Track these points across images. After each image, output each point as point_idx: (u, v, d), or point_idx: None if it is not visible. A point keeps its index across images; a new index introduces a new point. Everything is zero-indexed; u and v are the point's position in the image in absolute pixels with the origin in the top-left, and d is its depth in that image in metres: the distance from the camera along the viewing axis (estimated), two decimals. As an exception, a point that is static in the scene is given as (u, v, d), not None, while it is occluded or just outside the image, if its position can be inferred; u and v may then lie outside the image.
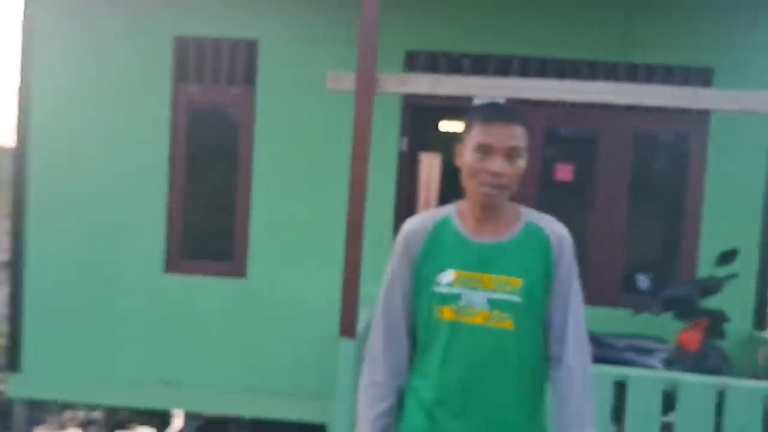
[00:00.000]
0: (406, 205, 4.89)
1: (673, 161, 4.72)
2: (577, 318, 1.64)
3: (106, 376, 4.85)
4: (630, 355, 3.93)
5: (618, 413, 3.31)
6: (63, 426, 6.50)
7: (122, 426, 6.56)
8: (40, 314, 4.85)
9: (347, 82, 3.13)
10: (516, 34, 4.52)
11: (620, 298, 4.57)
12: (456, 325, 1.62)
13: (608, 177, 4.61)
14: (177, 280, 4.80)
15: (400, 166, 4.64)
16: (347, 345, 3.22)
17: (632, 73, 4.51)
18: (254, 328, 4.72)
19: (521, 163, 1.59)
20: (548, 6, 4.47)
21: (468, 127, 1.62)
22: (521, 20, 4.50)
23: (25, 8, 4.74)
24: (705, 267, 4.35)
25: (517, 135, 1.57)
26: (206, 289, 4.77)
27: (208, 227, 4.94)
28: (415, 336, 1.72)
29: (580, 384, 1.63)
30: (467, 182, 1.62)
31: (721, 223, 4.45)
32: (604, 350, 3.95)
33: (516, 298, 1.58)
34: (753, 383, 3.12)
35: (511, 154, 1.57)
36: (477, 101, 1.79)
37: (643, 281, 4.01)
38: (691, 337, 3.89)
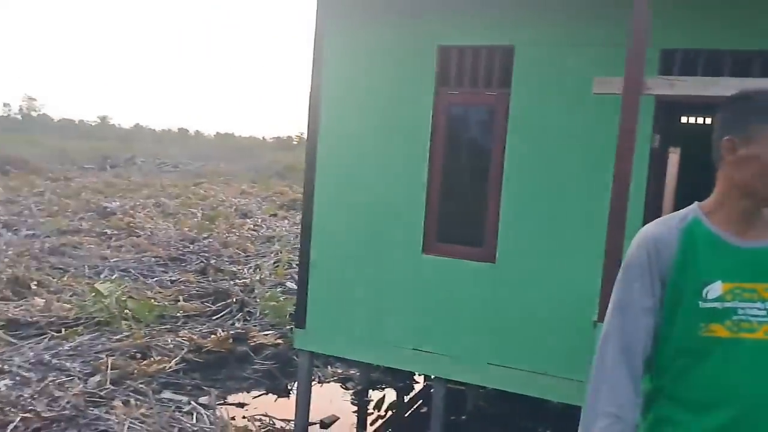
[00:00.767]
0: (653, 201, 4.97)
1: None
2: None
3: (371, 338, 5.69)
4: None
5: None
6: (325, 380, 7.68)
7: (374, 385, 7.54)
8: (322, 281, 5.85)
9: (614, 85, 3.40)
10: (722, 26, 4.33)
11: None
12: (732, 343, 1.43)
13: None
14: (432, 260, 5.46)
15: (651, 162, 4.75)
16: (602, 327, 3.50)
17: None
18: (502, 309, 5.19)
19: None
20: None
21: (759, 123, 1.43)
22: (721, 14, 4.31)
23: (317, 25, 5.70)
24: None
25: None
26: (458, 270, 5.36)
27: (461, 214, 5.52)
28: (654, 359, 1.54)
29: None
30: (758, 181, 1.43)
31: None
32: None
33: None
34: None
35: None
36: (748, 91, 1.52)
37: None
38: None
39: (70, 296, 9.48)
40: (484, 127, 5.40)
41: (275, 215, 18.50)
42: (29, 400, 5.77)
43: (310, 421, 6.15)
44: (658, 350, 1.52)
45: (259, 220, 17.35)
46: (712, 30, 4.52)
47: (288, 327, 8.41)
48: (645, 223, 4.70)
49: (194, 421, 5.76)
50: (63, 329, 8.03)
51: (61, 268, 11.24)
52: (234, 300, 9.56)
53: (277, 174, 29.82)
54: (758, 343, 1.41)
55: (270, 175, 29.59)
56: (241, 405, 6.82)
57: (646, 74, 3.73)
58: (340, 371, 7.83)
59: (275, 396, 7.25)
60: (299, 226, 16.94)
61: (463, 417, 6.68)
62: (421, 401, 7.32)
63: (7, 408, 5.48)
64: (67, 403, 5.82)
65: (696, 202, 1.55)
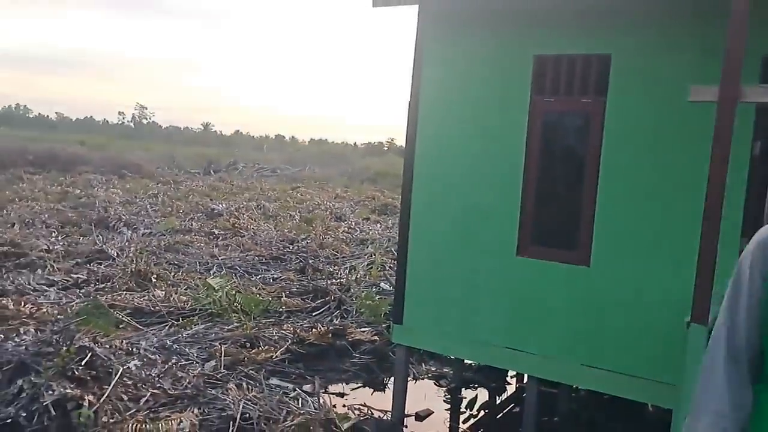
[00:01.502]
0: (753, 207, 4.94)
1: None
2: None
3: (465, 335, 5.96)
4: None
5: None
6: (419, 377, 7.99)
7: (467, 384, 7.78)
8: (418, 280, 6.18)
9: (710, 94, 3.51)
10: None
11: None
12: None
13: None
14: (526, 262, 5.65)
15: (751, 169, 4.73)
16: (698, 330, 3.60)
17: None
18: (596, 311, 5.31)
19: None
20: None
21: None
22: None
23: (417, 35, 6.04)
24: None
25: None
26: (552, 272, 5.52)
27: (555, 218, 5.69)
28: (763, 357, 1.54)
29: None
30: None
31: None
32: None
33: None
34: None
35: None
36: None
37: None
38: None
39: (185, 289, 10.34)
40: (579, 133, 5.54)
41: (368, 219, 19.07)
42: (156, 378, 6.46)
43: (405, 413, 6.48)
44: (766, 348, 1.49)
45: (353, 224, 17.95)
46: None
47: (383, 325, 8.80)
48: (743, 229, 4.70)
49: (300, 405, 6.23)
50: (181, 318, 8.82)
51: (175, 264, 12.24)
52: (332, 298, 10.08)
53: (369, 179, 30.57)
54: None
55: (362, 180, 30.39)
56: (340, 395, 7.26)
57: (745, 82, 3.79)
58: (433, 369, 8.12)
59: (371, 389, 7.64)
60: (391, 230, 17.34)
61: (555, 419, 6.78)
62: (513, 404, 7.47)
63: (140, 384, 6.18)
64: (189, 383, 6.47)
65: None
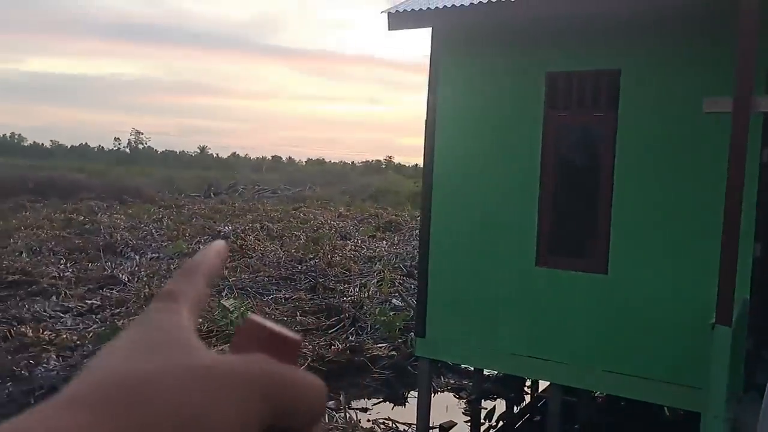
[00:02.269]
0: (765, 211, 5.12)
1: None
2: None
3: (487, 346, 6.10)
4: None
5: None
6: (439, 389, 8.10)
7: (487, 395, 7.90)
8: (439, 293, 6.33)
9: (724, 105, 3.71)
10: None
11: None
12: None
13: None
14: (545, 272, 5.81)
15: (761, 176, 4.92)
16: (723, 331, 3.76)
17: None
18: (615, 317, 5.47)
19: None
20: None
21: None
22: None
23: (432, 54, 6.25)
24: None
25: None
26: (571, 281, 5.69)
27: (572, 229, 5.86)
28: None
29: None
30: None
31: None
32: None
33: None
34: None
35: None
36: None
37: None
38: None
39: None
40: (593, 145, 5.75)
41: (373, 236, 19.22)
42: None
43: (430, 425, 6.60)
44: None
45: (359, 242, 18.10)
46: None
47: (399, 340, 8.93)
48: (757, 232, 4.88)
49: (326, 421, 6.34)
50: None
51: (187, 287, 12.34)
52: (346, 315, 10.21)
53: (370, 197, 30.76)
54: None
55: (363, 198, 30.58)
56: (364, 410, 7.37)
57: (755, 93, 4.00)
58: (452, 381, 8.24)
59: (392, 404, 7.76)
60: (397, 246, 17.40)
61: (576, 426, 6.90)
62: (529, 414, 7.59)
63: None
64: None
65: None
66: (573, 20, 5.52)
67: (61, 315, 10.36)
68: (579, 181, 5.90)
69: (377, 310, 10.48)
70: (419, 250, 6.51)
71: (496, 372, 8.01)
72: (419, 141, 6.41)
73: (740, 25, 3.56)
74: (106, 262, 14.39)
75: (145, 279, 11.98)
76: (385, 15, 5.85)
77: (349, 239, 18.60)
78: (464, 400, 7.83)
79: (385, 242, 18.26)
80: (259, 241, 17.78)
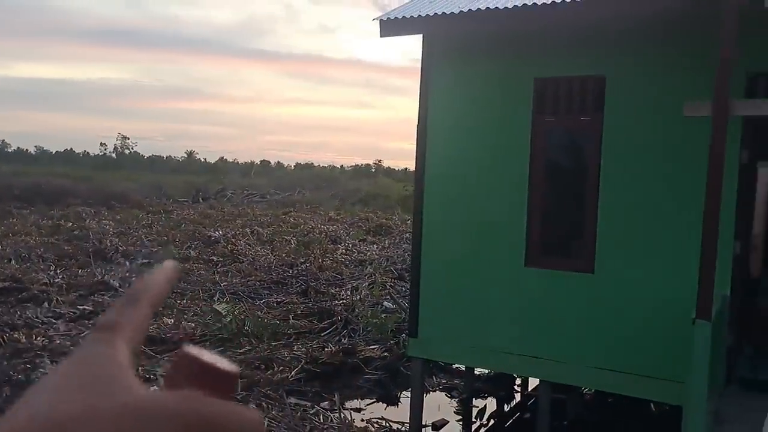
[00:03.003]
0: (744, 209, 5.32)
1: None
2: None
3: (479, 345, 6.24)
4: None
5: None
6: (431, 389, 8.24)
7: (478, 394, 8.05)
8: (431, 294, 6.46)
9: (703, 109, 3.88)
10: None
11: None
12: None
13: None
14: (535, 272, 5.97)
15: (740, 176, 5.11)
16: (704, 326, 3.92)
17: None
18: (602, 314, 5.64)
19: None
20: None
21: None
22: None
23: (423, 60, 6.39)
24: None
25: None
26: (559, 280, 5.85)
27: (560, 230, 6.03)
28: None
29: None
30: None
31: None
32: None
33: None
34: None
35: None
36: None
37: None
38: None
39: (192, 316, 10.52)
40: (580, 148, 5.92)
41: (364, 240, 19.35)
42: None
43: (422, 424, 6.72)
44: None
45: (350, 245, 18.21)
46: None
47: (391, 341, 9.06)
48: (736, 231, 5.07)
49: (321, 420, 6.46)
50: (192, 344, 9.00)
51: (179, 292, 12.40)
52: (338, 318, 10.32)
53: (360, 201, 30.88)
54: None
55: (352, 202, 30.70)
56: (357, 410, 7.49)
57: (734, 96, 4.18)
58: (444, 381, 8.38)
59: (385, 404, 7.88)
60: (388, 250, 17.47)
61: (565, 423, 7.06)
62: (519, 412, 7.74)
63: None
64: (212, 404, 6.66)
65: None
66: (560, 29, 5.70)
67: (54, 321, 10.38)
68: (567, 184, 6.07)
69: (369, 312, 10.60)
70: (411, 251, 6.65)
71: (487, 371, 8.16)
72: (408, 144, 6.62)
73: (720, 33, 3.73)
74: (96, 268, 14.39)
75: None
76: (378, 22, 5.99)
77: (340, 243, 18.70)
78: (456, 399, 7.96)
79: (375, 246, 18.39)
80: (249, 245, 17.84)
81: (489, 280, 6.19)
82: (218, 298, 11.96)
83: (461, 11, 5.57)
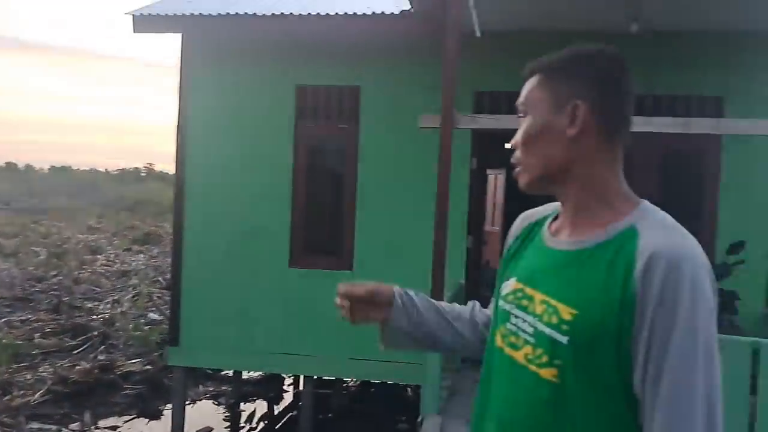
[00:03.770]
0: (476, 211, 6.13)
1: (693, 173, 5.75)
2: (682, 396, 0.93)
3: (244, 348, 6.25)
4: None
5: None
6: (197, 398, 8.01)
7: (246, 398, 8.02)
8: (195, 300, 6.31)
9: (433, 121, 4.40)
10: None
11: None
12: (500, 356, 1.16)
13: (641, 185, 5.69)
14: (298, 272, 6.18)
15: (471, 181, 5.88)
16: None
17: (657, 103, 5.60)
18: (359, 309, 6.02)
19: (527, 124, 1.13)
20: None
21: None
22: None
23: (182, 62, 6.24)
24: (720, 257, 5.35)
25: (526, 90, 1.15)
26: (320, 279, 6.12)
27: (322, 232, 6.32)
28: None
29: None
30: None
31: (734, 221, 5.46)
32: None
33: (561, 337, 1.02)
34: None
35: (520, 118, 1.17)
36: None
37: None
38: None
39: None
40: (339, 155, 6.28)
41: (129, 250, 18.06)
42: None
43: (186, 434, 6.52)
44: None
45: (112, 256, 16.87)
46: (513, 76, 5.76)
47: (156, 353, 8.61)
48: (469, 227, 5.82)
49: (70, 443, 5.92)
50: None
51: None
52: (95, 334, 9.53)
53: (126, 208, 28.71)
54: (515, 365, 1.10)
55: (118, 209, 28.42)
56: (113, 428, 6.98)
57: (463, 111, 4.81)
58: (211, 389, 8.20)
59: (147, 418, 7.47)
60: (157, 259, 16.55)
61: (330, 415, 7.39)
62: (291, 411, 7.91)
63: None
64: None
65: None
66: (319, 39, 5.99)
67: None
68: (327, 188, 6.39)
69: (131, 325, 9.96)
70: (172, 258, 6.44)
71: (255, 374, 8.19)
72: (183, 148, 6.34)
73: (443, 54, 4.28)
74: None
75: None
76: (131, 17, 5.71)
77: (101, 253, 17.23)
78: (224, 406, 7.85)
79: (143, 255, 17.28)
80: (-13, 259, 15.56)
81: (253, 282, 6.24)
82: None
83: (219, 14, 5.57)
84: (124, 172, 51.08)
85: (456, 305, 1.41)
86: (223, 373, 8.27)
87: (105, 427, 6.96)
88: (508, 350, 1.13)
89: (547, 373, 1.03)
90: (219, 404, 7.92)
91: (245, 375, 8.11)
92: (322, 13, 5.71)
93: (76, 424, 6.70)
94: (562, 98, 1.09)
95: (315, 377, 6.44)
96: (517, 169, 1.15)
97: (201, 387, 8.22)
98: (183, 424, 6.43)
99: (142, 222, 23.60)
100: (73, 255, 16.35)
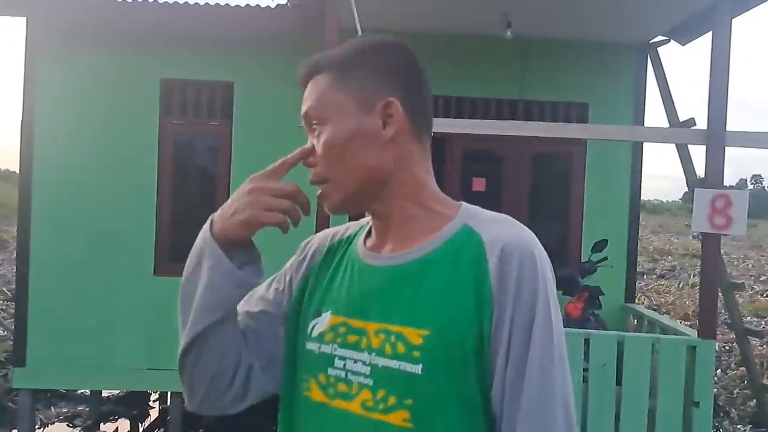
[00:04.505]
0: (360, 214, 6.02)
1: (561, 174, 6.05)
2: (544, 398, 0.84)
3: (104, 365, 5.69)
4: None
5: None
6: (49, 422, 7.22)
7: (106, 418, 7.34)
8: (45, 315, 5.64)
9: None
10: (440, 75, 5.73)
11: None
12: (323, 412, 0.93)
13: (512, 186, 5.89)
14: (164, 281, 5.71)
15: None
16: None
17: (528, 108, 5.81)
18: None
19: (328, 134, 0.96)
20: (462, 53, 5.72)
21: None
22: (441, 66, 5.72)
23: (27, 48, 5.55)
24: (586, 254, 5.66)
25: (315, 93, 1.00)
26: (191, 287, 5.71)
27: (191, 237, 5.85)
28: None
29: None
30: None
31: (597, 221, 5.80)
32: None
33: (413, 368, 0.85)
34: (643, 335, 4.41)
35: (312, 128, 1.01)
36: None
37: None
38: (575, 307, 5.17)
39: None
40: (211, 154, 5.89)
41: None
42: None
43: (35, 464, 5.83)
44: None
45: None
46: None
47: (1, 373, 7.66)
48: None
49: None
50: None
51: None
52: None
53: (-40, 209, 25.58)
54: (350, 419, 0.89)
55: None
56: (-56, 464, 6.09)
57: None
58: (65, 410, 7.42)
59: (-13, 449, 6.60)
60: (1, 267, 14.92)
61: (201, 431, 6.95)
62: (158, 428, 7.36)
63: None
64: None
65: None
66: (187, 30, 5.56)
67: None
68: (198, 189, 5.98)
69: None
70: (17, 268, 5.71)
71: (117, 391, 7.54)
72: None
73: (323, 50, 4.10)
74: None
75: None
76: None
77: None
78: (80, 428, 7.14)
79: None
80: None
81: (114, 293, 5.69)
82: None
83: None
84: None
85: None
86: (79, 392, 7.52)
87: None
88: (336, 403, 0.92)
89: (396, 419, 0.85)
90: (74, 426, 7.19)
91: (105, 393, 7.43)
92: (191, 2, 5.32)
93: None
94: (368, 96, 0.94)
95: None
96: (323, 189, 0.98)
97: (54, 408, 7.41)
98: (32, 453, 5.74)
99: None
100: None
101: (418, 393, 0.85)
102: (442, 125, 4.29)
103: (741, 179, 69.67)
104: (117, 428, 7.23)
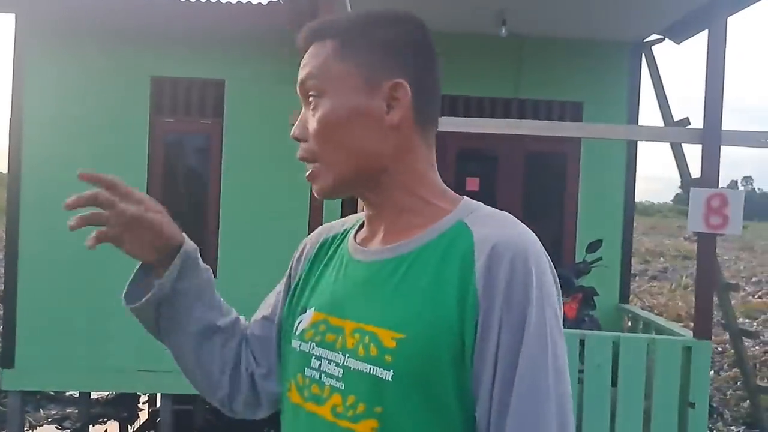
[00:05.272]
0: (353, 212, 5.96)
1: (555, 174, 6.02)
2: (533, 419, 0.75)
3: (95, 366, 5.62)
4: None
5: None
6: (37, 424, 7.13)
7: (95, 420, 7.25)
8: (35, 315, 5.57)
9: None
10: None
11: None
12: (298, 415, 0.89)
13: (506, 186, 5.85)
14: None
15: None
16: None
17: (522, 107, 5.78)
18: (225, 319, 5.63)
19: (326, 108, 0.86)
20: (457, 51, 5.68)
21: None
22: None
23: (16, 45, 5.48)
24: (580, 255, 5.63)
25: (316, 60, 0.88)
26: (181, 288, 5.64)
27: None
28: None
29: None
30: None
31: (591, 221, 5.77)
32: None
33: (384, 373, 0.79)
34: (638, 336, 4.37)
35: (308, 99, 0.90)
36: None
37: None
38: (570, 308, 5.13)
39: None
40: (201, 152, 5.82)
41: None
42: None
43: (23, 467, 5.74)
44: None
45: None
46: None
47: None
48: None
49: None
50: None
51: None
52: None
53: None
54: (318, 424, 0.85)
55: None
56: (-70, 468, 5.99)
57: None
58: (54, 412, 7.33)
59: (-25, 453, 6.50)
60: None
61: (193, 433, 6.88)
62: (147, 430, 7.28)
63: None
64: None
65: None
66: (177, 27, 5.50)
67: None
68: (188, 188, 5.91)
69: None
70: (5, 267, 5.63)
71: (106, 393, 7.46)
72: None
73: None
74: None
75: None
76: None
77: None
78: (69, 430, 7.05)
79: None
80: None
81: (106, 294, 5.58)
82: None
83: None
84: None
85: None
86: (68, 394, 7.43)
87: None
88: (309, 406, 0.86)
89: (364, 428, 0.79)
90: (63, 429, 7.10)
91: (94, 395, 7.34)
92: (181, -1, 5.26)
93: None
94: (375, 74, 0.85)
95: (174, 393, 5.94)
96: (313, 168, 0.90)
97: (42, 411, 7.32)
98: (19, 456, 5.65)
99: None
100: None
101: (388, 401, 0.78)
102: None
103: (732, 181, 70.21)
104: (106, 430, 7.15)
